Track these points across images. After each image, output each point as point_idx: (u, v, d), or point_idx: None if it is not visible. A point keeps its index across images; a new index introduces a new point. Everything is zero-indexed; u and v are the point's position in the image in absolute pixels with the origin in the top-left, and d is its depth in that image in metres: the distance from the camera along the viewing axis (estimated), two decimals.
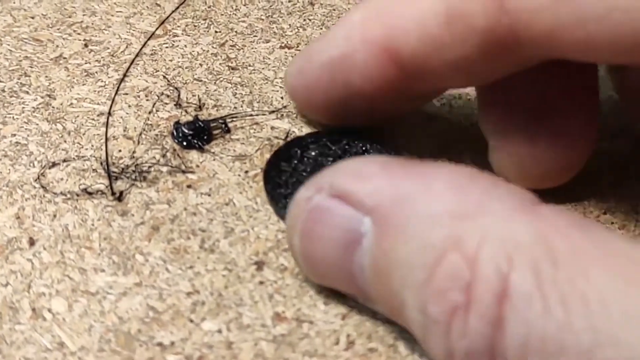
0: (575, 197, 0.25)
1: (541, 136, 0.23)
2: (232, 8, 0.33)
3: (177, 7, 0.33)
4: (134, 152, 0.26)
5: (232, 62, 0.30)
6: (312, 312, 0.22)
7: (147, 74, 0.29)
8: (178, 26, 0.32)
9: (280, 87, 0.29)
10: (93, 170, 0.25)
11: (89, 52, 0.30)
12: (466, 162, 0.24)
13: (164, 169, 0.26)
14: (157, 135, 0.27)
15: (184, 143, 0.26)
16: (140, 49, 0.30)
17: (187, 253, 0.23)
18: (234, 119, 0.27)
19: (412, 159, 0.20)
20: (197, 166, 0.26)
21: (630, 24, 0.17)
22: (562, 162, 0.23)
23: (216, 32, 0.31)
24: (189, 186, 0.25)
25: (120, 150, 0.26)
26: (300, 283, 0.22)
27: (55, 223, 0.24)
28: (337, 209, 0.19)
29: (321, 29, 0.32)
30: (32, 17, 0.32)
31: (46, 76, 0.29)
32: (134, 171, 0.25)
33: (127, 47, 0.30)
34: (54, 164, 0.26)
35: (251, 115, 0.28)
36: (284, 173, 0.25)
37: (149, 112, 0.28)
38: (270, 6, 0.33)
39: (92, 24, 0.32)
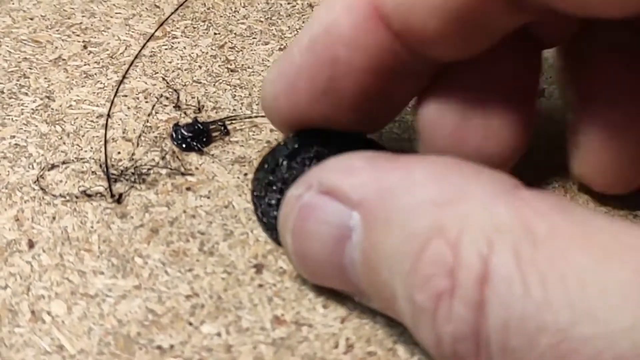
0: None
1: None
2: (231, 10, 0.33)
3: (177, 9, 0.33)
4: (133, 154, 0.26)
5: (231, 64, 0.30)
6: (312, 315, 0.22)
7: (146, 75, 0.29)
8: (177, 28, 0.32)
9: None
10: (92, 172, 0.25)
11: (88, 54, 0.30)
12: None
13: (163, 171, 0.26)
14: (156, 137, 0.27)
15: (183, 145, 0.26)
16: (140, 51, 0.30)
17: (186, 256, 0.23)
18: (233, 122, 0.27)
19: (400, 153, 0.20)
20: (197, 168, 0.26)
21: None
22: None
23: (215, 34, 0.31)
24: (188, 189, 0.25)
25: (119, 153, 0.26)
26: (300, 286, 0.22)
27: (55, 225, 0.24)
28: (326, 205, 0.19)
29: None
30: (31, 19, 0.32)
31: (45, 78, 0.29)
32: (133, 173, 0.25)
33: (126, 48, 0.30)
34: (53, 166, 0.26)
35: (250, 117, 0.28)
36: (273, 191, 0.23)
37: (148, 114, 0.28)
38: (270, 8, 0.33)
39: (91, 25, 0.32)
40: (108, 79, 0.29)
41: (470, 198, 0.17)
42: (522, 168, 0.23)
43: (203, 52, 0.30)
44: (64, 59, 0.30)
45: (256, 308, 0.22)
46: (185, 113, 0.28)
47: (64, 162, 0.26)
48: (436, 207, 0.17)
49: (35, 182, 0.25)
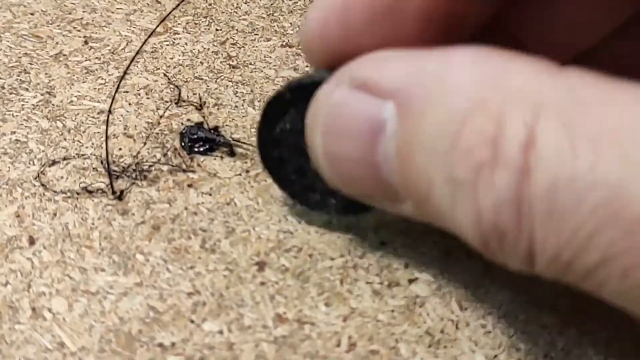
0: None
1: None
2: (233, 6, 0.33)
3: (178, 5, 0.32)
4: (134, 150, 0.26)
5: (233, 61, 0.30)
6: (314, 313, 0.21)
7: (147, 71, 0.29)
8: (179, 24, 0.31)
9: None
10: (93, 168, 0.25)
11: (89, 49, 0.30)
12: None
13: (165, 168, 0.25)
14: (157, 133, 0.27)
15: (190, 149, 0.26)
16: (141, 47, 0.30)
17: (188, 253, 0.23)
18: (239, 143, 0.27)
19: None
20: (198, 165, 0.26)
21: None
22: None
23: (217, 30, 0.31)
24: (189, 185, 0.25)
25: (120, 149, 0.26)
26: (302, 284, 0.22)
27: (55, 222, 0.24)
28: (358, 99, 0.18)
29: None
30: (32, 14, 0.32)
31: (46, 73, 0.29)
32: (134, 170, 0.25)
33: (127, 44, 0.30)
34: (54, 162, 0.25)
35: (253, 145, 0.26)
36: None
37: (150, 111, 0.27)
38: (272, 4, 0.33)
39: (92, 20, 0.31)
40: (109, 75, 0.29)
41: (513, 74, 0.16)
42: None
43: (205, 48, 0.30)
44: (64, 55, 0.30)
45: (258, 306, 0.22)
46: (198, 109, 0.28)
47: (64, 158, 0.26)
48: (476, 85, 0.16)
49: (36, 178, 0.25)
